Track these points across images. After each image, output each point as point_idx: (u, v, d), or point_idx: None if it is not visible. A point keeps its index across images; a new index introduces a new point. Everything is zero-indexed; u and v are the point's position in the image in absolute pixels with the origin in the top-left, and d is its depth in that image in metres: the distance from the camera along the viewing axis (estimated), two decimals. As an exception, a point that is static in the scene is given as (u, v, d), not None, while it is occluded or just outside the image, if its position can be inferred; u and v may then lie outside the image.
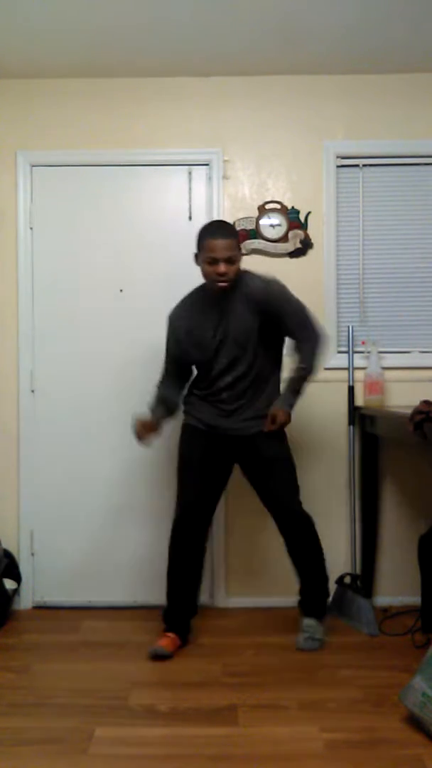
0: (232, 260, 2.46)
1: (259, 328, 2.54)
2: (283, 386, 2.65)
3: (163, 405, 2.68)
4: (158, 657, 2.52)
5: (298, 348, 2.57)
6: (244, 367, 2.57)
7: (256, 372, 2.59)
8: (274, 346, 2.65)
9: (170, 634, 2.62)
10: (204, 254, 2.47)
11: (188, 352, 2.63)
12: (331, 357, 3.12)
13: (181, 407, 2.73)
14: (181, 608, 2.65)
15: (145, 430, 2.62)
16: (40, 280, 3.15)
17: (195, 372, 2.70)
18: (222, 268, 2.44)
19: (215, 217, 3.11)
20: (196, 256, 2.54)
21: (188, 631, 2.68)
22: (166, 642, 2.58)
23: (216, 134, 3.14)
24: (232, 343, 2.55)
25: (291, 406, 2.60)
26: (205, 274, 2.51)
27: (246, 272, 2.60)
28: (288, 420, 2.60)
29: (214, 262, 2.44)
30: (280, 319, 2.56)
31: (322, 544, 2.69)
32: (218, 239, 2.44)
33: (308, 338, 2.56)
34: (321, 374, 3.10)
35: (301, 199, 3.14)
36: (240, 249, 2.56)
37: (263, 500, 2.68)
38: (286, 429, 2.66)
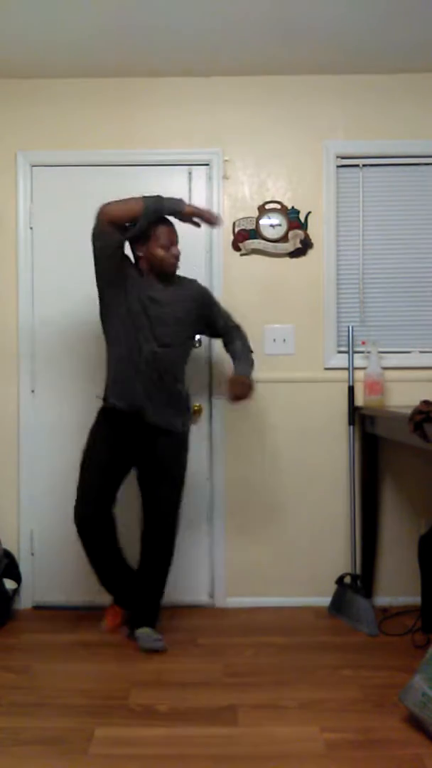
0: (177, 243, 2.66)
1: (192, 326, 2.71)
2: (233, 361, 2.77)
3: None
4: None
5: (234, 341, 2.78)
6: (169, 353, 2.61)
7: (176, 365, 2.66)
8: (190, 349, 2.76)
9: (116, 608, 2.82)
10: (159, 240, 2.59)
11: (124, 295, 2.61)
12: (331, 357, 3.13)
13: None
14: (118, 582, 2.78)
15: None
16: (40, 280, 3.15)
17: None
18: (175, 250, 2.63)
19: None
20: (140, 245, 2.60)
21: (131, 597, 2.77)
22: (108, 622, 2.81)
23: (216, 134, 3.14)
24: (167, 324, 2.60)
25: (250, 375, 2.71)
26: (159, 258, 2.60)
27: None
28: (252, 388, 2.67)
29: (170, 244, 2.61)
30: (212, 319, 2.77)
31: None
32: (169, 226, 2.63)
33: (241, 334, 2.81)
34: (321, 374, 3.13)
35: (301, 199, 3.14)
36: None
37: (145, 502, 2.72)
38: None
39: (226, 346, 2.82)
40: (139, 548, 2.73)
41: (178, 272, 2.71)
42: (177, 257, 2.64)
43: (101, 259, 2.57)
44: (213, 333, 2.83)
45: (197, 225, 2.65)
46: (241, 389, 2.63)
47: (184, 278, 2.75)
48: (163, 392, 2.62)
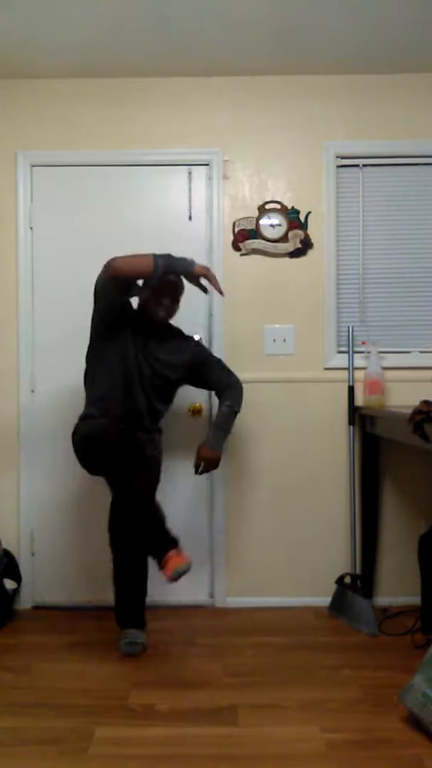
0: (179, 299, 2.63)
1: (179, 384, 2.70)
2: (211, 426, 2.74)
3: None
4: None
5: (225, 392, 2.71)
6: (154, 407, 2.62)
7: (158, 416, 2.67)
8: (170, 401, 2.74)
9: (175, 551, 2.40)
10: (156, 289, 2.57)
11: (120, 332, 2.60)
12: (331, 357, 3.13)
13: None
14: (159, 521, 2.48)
15: None
16: (40, 280, 3.15)
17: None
18: (167, 301, 2.59)
19: (215, 217, 3.12)
20: (142, 287, 2.60)
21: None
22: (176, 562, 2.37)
23: (216, 134, 3.14)
24: (157, 386, 2.61)
25: (221, 447, 2.68)
26: (150, 307, 2.59)
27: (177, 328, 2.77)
28: (217, 460, 2.67)
29: (163, 296, 2.57)
30: (204, 379, 2.73)
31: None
32: (175, 279, 2.58)
33: (233, 384, 2.73)
34: (321, 374, 3.13)
35: (301, 199, 3.14)
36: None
37: None
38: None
39: (219, 399, 2.74)
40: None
41: (181, 327, 2.74)
42: (168, 311, 2.60)
43: (101, 309, 2.57)
44: (204, 386, 2.81)
45: (204, 290, 2.59)
46: (206, 465, 2.66)
47: (185, 337, 2.75)
48: (141, 433, 2.60)
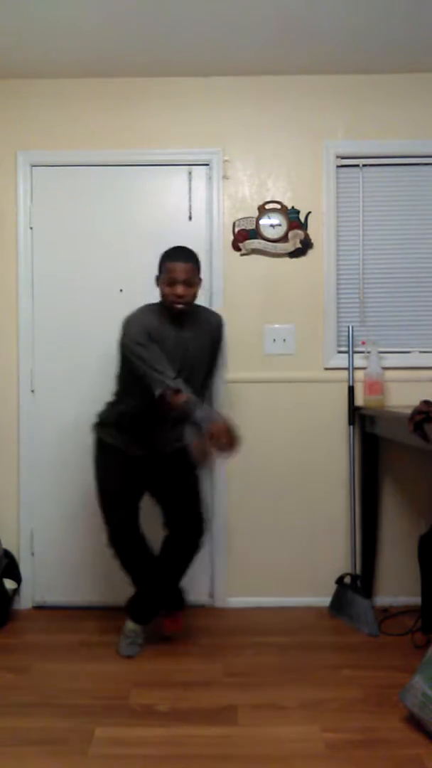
0: (190, 283, 2.47)
1: (209, 362, 2.62)
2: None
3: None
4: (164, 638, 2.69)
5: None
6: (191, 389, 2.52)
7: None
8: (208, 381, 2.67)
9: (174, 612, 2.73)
10: (164, 276, 2.48)
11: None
12: (331, 357, 3.13)
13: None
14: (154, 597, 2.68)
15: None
16: (40, 280, 3.15)
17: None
18: (179, 290, 2.44)
19: (215, 217, 3.12)
20: (157, 278, 2.53)
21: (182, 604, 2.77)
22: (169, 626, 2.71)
23: (216, 134, 3.14)
24: (189, 366, 2.52)
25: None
26: (164, 295, 2.50)
27: (200, 305, 2.67)
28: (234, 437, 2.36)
29: (172, 283, 2.45)
30: (216, 354, 2.66)
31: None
32: (178, 262, 2.46)
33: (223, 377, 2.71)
34: (321, 374, 3.13)
35: (301, 199, 3.14)
36: (199, 275, 2.53)
37: (173, 512, 2.66)
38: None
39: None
40: (161, 548, 2.67)
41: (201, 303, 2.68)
42: (181, 297, 2.44)
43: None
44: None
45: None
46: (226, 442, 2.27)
47: (205, 311, 2.68)
48: (177, 429, 2.52)
